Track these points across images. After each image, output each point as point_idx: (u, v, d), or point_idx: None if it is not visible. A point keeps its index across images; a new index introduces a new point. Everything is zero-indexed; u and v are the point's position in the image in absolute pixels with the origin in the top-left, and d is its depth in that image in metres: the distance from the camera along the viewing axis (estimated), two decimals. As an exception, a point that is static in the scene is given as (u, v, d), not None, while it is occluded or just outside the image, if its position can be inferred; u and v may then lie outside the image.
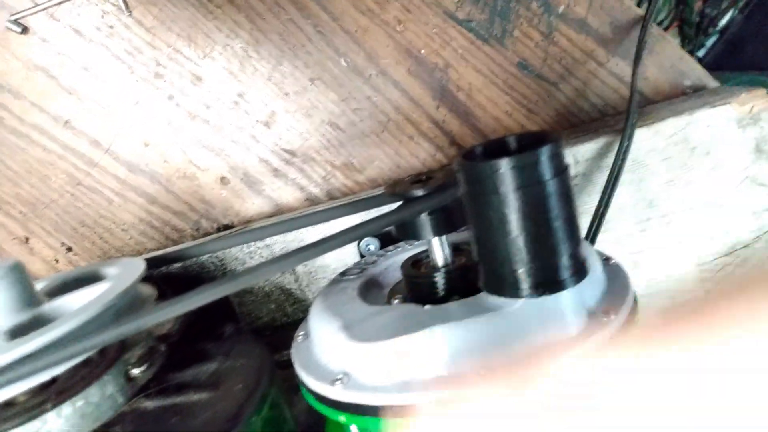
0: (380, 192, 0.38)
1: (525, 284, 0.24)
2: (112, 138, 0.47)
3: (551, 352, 0.24)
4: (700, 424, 0.12)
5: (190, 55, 0.46)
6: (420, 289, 0.30)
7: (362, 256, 0.41)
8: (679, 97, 0.47)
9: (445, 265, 0.30)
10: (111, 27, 0.45)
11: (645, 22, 0.43)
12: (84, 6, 0.45)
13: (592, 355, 0.14)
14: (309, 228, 0.40)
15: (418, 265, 0.32)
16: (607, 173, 0.40)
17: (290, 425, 0.31)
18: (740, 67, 0.80)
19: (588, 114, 0.48)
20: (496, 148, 0.25)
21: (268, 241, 0.41)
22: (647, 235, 0.43)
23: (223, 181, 0.49)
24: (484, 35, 0.46)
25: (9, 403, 0.26)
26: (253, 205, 0.49)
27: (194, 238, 0.50)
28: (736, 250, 0.43)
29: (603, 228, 0.40)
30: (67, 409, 0.25)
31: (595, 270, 0.27)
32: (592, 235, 0.39)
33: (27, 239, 0.49)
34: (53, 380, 0.26)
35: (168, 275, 0.41)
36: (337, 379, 0.26)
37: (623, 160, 0.39)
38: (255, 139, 0.48)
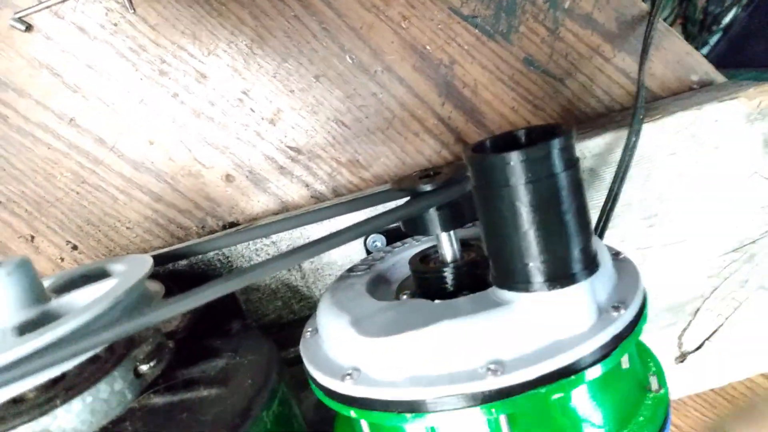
0: (386, 188, 0.38)
1: (536, 278, 0.24)
2: (117, 136, 0.47)
3: (562, 347, 0.24)
4: None
5: (195, 52, 0.46)
6: (429, 284, 0.30)
7: (369, 252, 0.41)
8: (687, 93, 0.46)
9: (454, 261, 0.30)
10: (115, 24, 0.45)
11: (651, 17, 0.43)
12: (88, 4, 0.45)
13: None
14: (315, 225, 0.40)
15: (427, 260, 0.32)
16: (614, 169, 0.39)
17: (299, 421, 0.31)
18: (744, 64, 0.80)
19: (594, 110, 0.48)
20: (505, 142, 0.25)
21: (274, 237, 0.41)
22: (654, 230, 0.43)
23: (229, 178, 0.48)
24: (490, 31, 0.46)
25: (19, 399, 0.26)
26: (258, 202, 0.49)
27: (200, 236, 0.50)
28: (744, 246, 0.43)
29: (610, 224, 0.39)
30: (77, 404, 0.25)
31: (606, 265, 0.27)
32: (600, 231, 0.39)
33: (32, 238, 0.49)
34: (62, 376, 0.26)
35: (174, 272, 0.41)
36: (347, 374, 0.26)
37: (631, 155, 0.39)
38: (260, 136, 0.48)
